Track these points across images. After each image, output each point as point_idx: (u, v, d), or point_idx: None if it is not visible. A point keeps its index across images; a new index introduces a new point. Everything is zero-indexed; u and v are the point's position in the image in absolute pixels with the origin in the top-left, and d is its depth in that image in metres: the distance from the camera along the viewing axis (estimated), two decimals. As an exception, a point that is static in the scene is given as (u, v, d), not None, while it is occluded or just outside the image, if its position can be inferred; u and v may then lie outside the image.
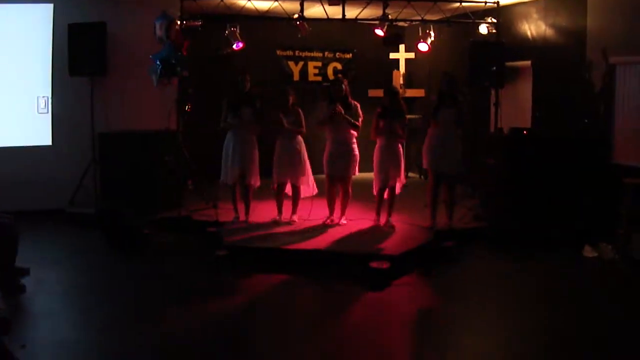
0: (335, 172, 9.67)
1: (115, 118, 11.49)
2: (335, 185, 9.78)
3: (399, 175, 9.65)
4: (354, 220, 10.01)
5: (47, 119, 11.73)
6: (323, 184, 9.90)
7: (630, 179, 8.95)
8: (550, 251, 9.29)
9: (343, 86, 9.56)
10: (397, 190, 9.80)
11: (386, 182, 9.59)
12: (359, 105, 9.67)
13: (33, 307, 6.99)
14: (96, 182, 11.32)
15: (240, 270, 8.29)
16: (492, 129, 12.05)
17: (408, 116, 10.39)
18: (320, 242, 8.92)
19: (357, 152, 9.68)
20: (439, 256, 8.89)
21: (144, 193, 10.64)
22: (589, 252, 9.18)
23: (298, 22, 11.62)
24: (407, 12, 12.24)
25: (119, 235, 9.37)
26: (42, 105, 11.69)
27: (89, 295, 7.46)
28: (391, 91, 9.84)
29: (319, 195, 10.03)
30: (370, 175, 9.86)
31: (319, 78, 15.13)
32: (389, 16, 11.98)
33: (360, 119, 9.60)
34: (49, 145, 11.73)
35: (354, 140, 9.67)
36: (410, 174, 13.56)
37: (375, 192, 9.78)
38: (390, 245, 8.79)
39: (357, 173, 9.79)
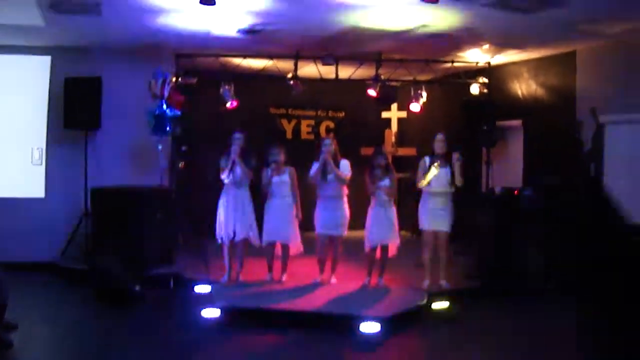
0: (326, 231, 9.68)
1: (108, 172, 11.52)
2: (326, 244, 9.79)
3: (391, 235, 9.65)
4: (344, 280, 9.98)
5: (41, 171, 11.77)
6: (310, 241, 9.93)
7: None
8: (543, 307, 9.28)
9: (332, 143, 9.67)
10: (393, 251, 9.80)
11: (378, 241, 9.60)
12: (348, 163, 9.73)
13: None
14: (87, 236, 11.30)
15: (229, 329, 8.24)
16: (483, 189, 12.11)
17: (400, 174, 10.44)
18: (310, 302, 8.88)
19: (347, 211, 9.72)
20: (431, 317, 8.86)
21: (135, 248, 10.60)
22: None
23: (292, 82, 11.75)
24: (400, 72, 12.40)
25: (109, 291, 9.33)
26: (37, 156, 11.73)
27: (77, 353, 7.40)
28: (378, 151, 9.94)
29: (307, 252, 10.03)
30: (361, 233, 9.88)
31: (312, 136, 15.24)
32: (382, 76, 12.13)
33: (348, 175, 9.66)
34: (42, 198, 11.75)
35: (345, 199, 9.71)
36: (402, 232, 13.52)
37: (367, 251, 9.78)
38: (381, 306, 8.73)
39: (346, 233, 9.82)
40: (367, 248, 9.73)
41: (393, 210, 9.70)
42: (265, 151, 9.86)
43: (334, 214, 9.63)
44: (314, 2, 8.08)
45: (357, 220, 9.99)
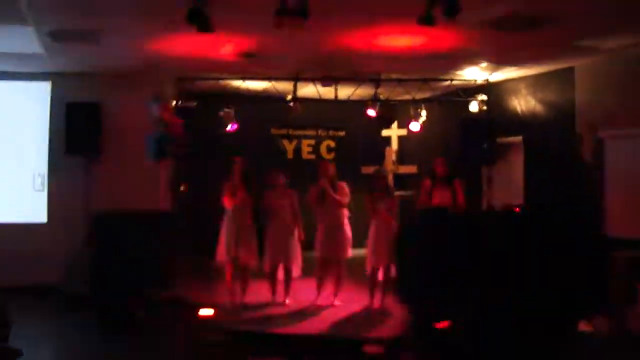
0: (328, 255, 9.70)
1: (110, 197, 11.52)
2: (327, 267, 9.81)
3: (393, 256, 9.66)
4: (347, 301, 9.98)
5: (44, 197, 11.80)
6: (309, 261, 9.99)
7: (620, 251, 8.98)
8: (545, 328, 9.25)
9: (330, 168, 9.72)
10: (394, 272, 9.80)
11: (379, 262, 9.61)
12: (345, 185, 9.77)
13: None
14: (90, 260, 11.29)
15: (234, 353, 8.23)
16: (484, 206, 12.12)
17: (402, 192, 10.46)
18: (313, 325, 8.89)
19: (349, 233, 9.74)
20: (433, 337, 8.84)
21: (137, 272, 10.60)
22: (584, 327, 9.14)
23: (291, 103, 11.80)
24: (398, 91, 12.44)
25: (112, 316, 9.33)
26: (39, 182, 11.77)
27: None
28: (377, 174, 9.98)
29: (308, 274, 10.06)
30: (363, 251, 9.89)
31: (313, 156, 15.28)
32: (381, 96, 12.17)
33: (346, 200, 9.69)
34: (45, 223, 11.77)
35: (346, 221, 9.74)
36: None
37: (368, 272, 9.79)
38: (384, 328, 8.74)
39: (350, 254, 9.83)
40: (368, 270, 9.75)
41: (394, 231, 9.71)
42: (267, 174, 9.90)
43: (334, 238, 9.65)
44: (312, 25, 8.10)
45: (360, 239, 10.00)
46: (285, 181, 9.91)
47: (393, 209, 9.71)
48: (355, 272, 10.56)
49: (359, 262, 10.22)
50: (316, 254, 9.81)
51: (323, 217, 9.71)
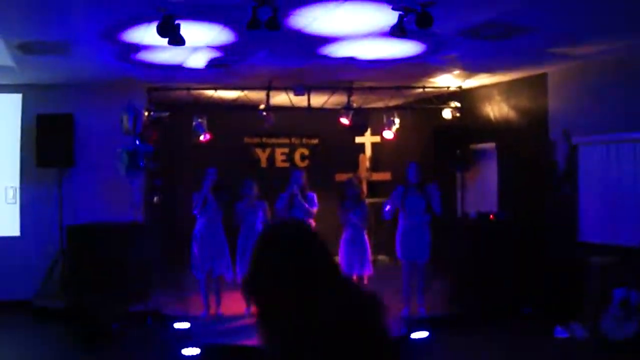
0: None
1: (83, 209, 11.43)
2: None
3: (365, 265, 9.68)
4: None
5: (16, 210, 11.67)
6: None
7: (594, 257, 9.04)
8: (521, 333, 9.31)
9: (303, 176, 9.72)
10: (364, 281, 9.83)
11: (351, 273, 9.61)
12: (315, 196, 9.80)
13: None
14: (64, 273, 11.21)
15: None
16: (459, 213, 12.15)
17: (376, 199, 10.47)
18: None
19: None
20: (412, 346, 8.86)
21: (112, 285, 10.50)
22: (560, 332, 9.20)
23: (265, 113, 11.78)
24: (371, 99, 12.45)
25: (87, 329, 9.25)
26: (10, 195, 11.65)
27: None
28: (349, 182, 9.98)
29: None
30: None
31: (287, 164, 15.22)
32: (354, 104, 12.17)
33: (315, 209, 9.71)
34: (17, 236, 11.65)
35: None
36: (380, 257, 13.57)
37: None
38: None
39: None
40: None
41: (365, 240, 9.74)
42: (239, 184, 9.88)
43: None
44: (285, 36, 8.08)
45: (330, 247, 9.95)
46: (258, 191, 9.88)
47: (364, 219, 9.72)
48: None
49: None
50: None
51: None
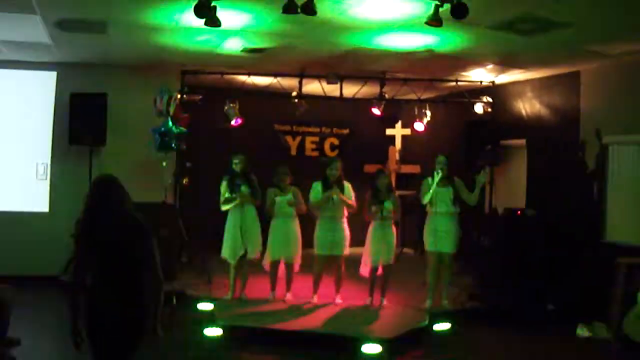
0: (325, 252, 9.67)
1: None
2: (324, 265, 9.81)
3: (391, 256, 9.67)
4: (348, 299, 9.98)
5: (46, 186, 11.83)
6: (307, 259, 10.00)
7: (622, 258, 8.97)
8: (544, 331, 9.27)
9: (338, 168, 9.65)
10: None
11: (377, 263, 9.62)
12: (350, 186, 9.75)
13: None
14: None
15: (231, 348, 8.25)
16: (486, 209, 12.10)
17: (404, 192, 10.44)
18: (312, 322, 8.89)
19: (347, 231, 9.71)
20: (433, 338, 8.86)
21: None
22: (582, 331, 9.16)
23: (296, 100, 11.79)
24: (404, 91, 12.41)
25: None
26: (41, 171, 11.80)
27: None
28: (380, 174, 9.91)
29: (307, 271, 10.05)
30: (360, 250, 9.89)
31: (316, 153, 15.28)
32: (386, 95, 12.15)
33: (354, 202, 9.68)
34: (46, 212, 11.80)
35: (345, 219, 9.72)
36: (405, 250, 13.56)
37: (363, 274, 9.80)
38: (383, 327, 8.75)
39: (348, 252, 9.82)
40: (363, 271, 9.76)
41: (393, 231, 9.71)
42: (271, 169, 9.90)
43: (333, 234, 9.61)
44: (318, 24, 8.09)
45: (360, 237, 9.95)
46: (290, 178, 9.89)
47: (395, 211, 9.68)
48: (357, 270, 10.57)
49: (358, 259, 10.21)
50: (315, 250, 9.80)
51: (323, 214, 9.65)
